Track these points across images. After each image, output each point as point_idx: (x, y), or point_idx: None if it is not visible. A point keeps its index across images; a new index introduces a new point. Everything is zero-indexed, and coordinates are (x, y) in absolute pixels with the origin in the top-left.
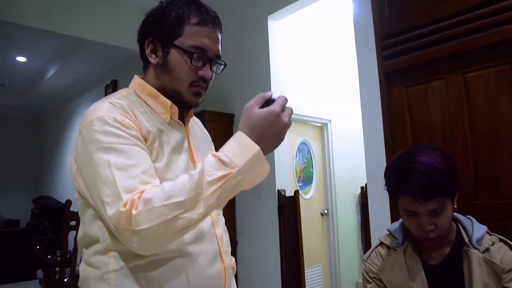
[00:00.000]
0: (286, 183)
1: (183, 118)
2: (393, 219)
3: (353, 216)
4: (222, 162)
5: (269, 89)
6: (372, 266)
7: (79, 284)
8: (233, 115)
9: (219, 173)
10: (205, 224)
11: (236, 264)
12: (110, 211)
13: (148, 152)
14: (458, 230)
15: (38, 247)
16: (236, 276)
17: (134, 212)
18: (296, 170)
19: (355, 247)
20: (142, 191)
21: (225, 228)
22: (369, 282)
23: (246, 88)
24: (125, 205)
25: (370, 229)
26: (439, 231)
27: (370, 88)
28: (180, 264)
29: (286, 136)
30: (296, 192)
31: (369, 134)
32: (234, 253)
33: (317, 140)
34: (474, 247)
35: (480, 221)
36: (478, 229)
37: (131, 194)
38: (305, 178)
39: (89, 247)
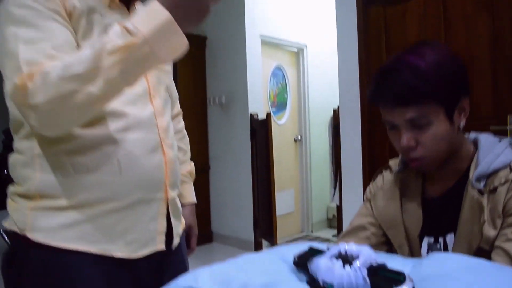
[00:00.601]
0: (259, 107)
1: (128, 3)
2: (364, 143)
3: (326, 142)
4: (127, 30)
5: (243, 12)
6: (371, 187)
7: (10, 172)
8: (205, 38)
9: (121, 42)
10: (145, 112)
11: (208, 188)
12: (8, 85)
13: (69, 29)
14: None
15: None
16: (208, 200)
17: (29, 84)
18: (270, 95)
19: (327, 173)
20: (45, 65)
21: (181, 124)
22: (364, 202)
23: (219, 9)
24: (22, 78)
25: (341, 152)
26: (423, 150)
27: (346, 8)
28: (111, 150)
29: (260, 59)
30: (268, 115)
31: (344, 56)
32: (206, 177)
33: (293, 66)
34: (472, 186)
35: None
36: (491, 161)
37: (31, 67)
38: (279, 104)
39: (17, 132)
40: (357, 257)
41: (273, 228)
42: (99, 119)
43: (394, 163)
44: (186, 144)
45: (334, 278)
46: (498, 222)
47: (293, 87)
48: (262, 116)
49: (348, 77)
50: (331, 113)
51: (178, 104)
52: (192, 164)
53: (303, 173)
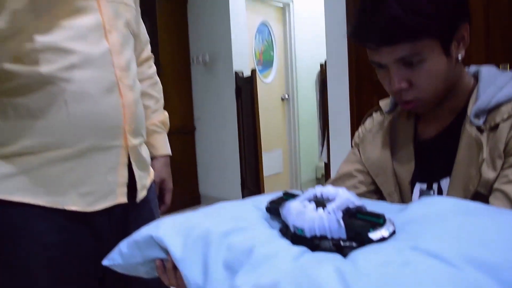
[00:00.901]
0: (244, 65)
1: None
2: (352, 97)
3: (314, 101)
4: None
5: None
6: (360, 131)
7: None
8: None
9: None
10: (98, 49)
11: (194, 150)
12: None
13: None
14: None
15: None
16: (195, 162)
17: None
18: (255, 53)
19: (315, 132)
20: None
21: (152, 69)
22: (352, 148)
23: None
24: None
25: (328, 108)
26: (417, 91)
27: None
28: (56, 91)
29: (244, 15)
30: (253, 71)
31: (331, 9)
32: (192, 139)
33: (279, 22)
34: (471, 122)
35: None
36: (492, 94)
37: None
38: (265, 62)
39: None
40: (333, 200)
41: (261, 188)
42: (36, 55)
43: (384, 103)
44: (158, 91)
45: (305, 222)
46: (499, 162)
47: (280, 44)
48: (247, 74)
49: (335, 30)
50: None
51: (148, 48)
52: (166, 113)
53: (291, 133)
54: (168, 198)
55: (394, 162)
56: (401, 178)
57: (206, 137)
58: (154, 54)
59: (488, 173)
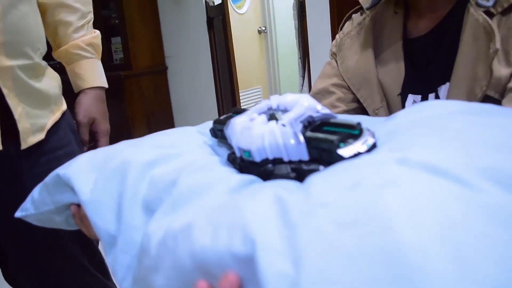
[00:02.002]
0: None
1: None
2: (333, 19)
3: (293, 33)
4: None
5: None
6: (337, 37)
7: None
8: None
9: None
10: None
11: (168, 90)
12: None
13: None
14: None
15: None
16: (170, 104)
17: None
18: None
19: (296, 66)
20: None
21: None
22: (328, 61)
23: None
24: None
25: (308, 35)
26: None
27: None
28: None
29: None
30: None
31: None
32: (165, 79)
33: None
34: (478, 4)
35: None
36: None
37: None
38: None
39: None
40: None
41: None
42: None
43: (365, 0)
44: (82, 2)
45: (252, 141)
46: None
47: None
48: (219, 1)
49: None
50: None
51: None
52: (97, 32)
53: (270, 68)
54: (103, 142)
55: (379, 70)
56: (389, 89)
57: (179, 76)
58: None
59: (501, 70)
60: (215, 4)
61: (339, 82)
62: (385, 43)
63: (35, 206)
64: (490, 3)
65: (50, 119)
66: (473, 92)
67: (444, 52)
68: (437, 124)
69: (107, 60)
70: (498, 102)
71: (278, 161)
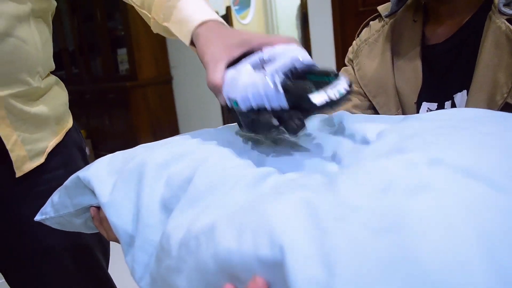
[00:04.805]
0: (219, 4)
1: None
2: (336, 30)
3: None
4: None
5: None
6: (354, 44)
7: None
8: None
9: None
10: None
11: (173, 100)
12: None
13: None
14: None
15: None
16: (175, 113)
17: None
18: None
19: None
20: None
21: None
22: (344, 65)
23: None
24: None
25: (311, 44)
26: None
27: None
28: None
29: None
30: (228, 8)
31: None
32: (170, 89)
33: None
34: (500, 11)
35: None
36: None
37: None
38: (242, 1)
39: None
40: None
41: None
42: None
43: (384, 7)
44: None
45: (237, 90)
46: None
47: None
48: (223, 13)
49: None
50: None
51: None
52: None
53: None
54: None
55: (396, 77)
56: (405, 96)
57: (184, 86)
58: (120, 1)
59: None
60: (220, 15)
61: (355, 89)
62: (403, 50)
63: (55, 209)
64: None
65: (52, 141)
66: (493, 99)
67: (463, 59)
68: (468, 126)
69: (112, 71)
70: None
71: (262, 109)
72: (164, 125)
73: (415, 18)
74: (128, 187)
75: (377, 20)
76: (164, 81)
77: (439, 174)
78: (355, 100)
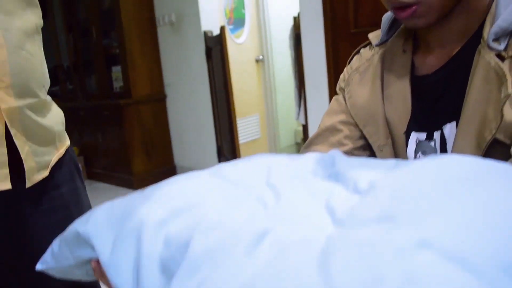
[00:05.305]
0: (214, 24)
1: None
2: (328, 51)
3: (290, 61)
4: None
5: None
6: (345, 72)
7: None
8: None
9: None
10: None
11: (167, 118)
12: None
13: None
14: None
15: None
16: (168, 132)
17: None
18: (225, 11)
19: (293, 95)
20: None
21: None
22: (336, 95)
23: None
24: None
25: (303, 64)
26: None
27: None
28: None
29: None
30: (222, 28)
31: None
32: (163, 107)
33: None
34: (490, 46)
35: None
36: None
37: None
38: (236, 20)
39: None
40: None
41: (237, 156)
42: None
43: (374, 35)
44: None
45: None
46: None
47: (251, 0)
48: (217, 33)
49: None
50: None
51: None
52: None
53: (267, 96)
54: None
55: (386, 107)
56: (395, 126)
57: (178, 104)
58: (115, 17)
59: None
60: (214, 34)
61: (346, 119)
62: (392, 80)
63: (56, 259)
64: (501, 47)
65: (55, 155)
66: (482, 135)
67: (452, 90)
68: (465, 190)
69: (107, 88)
70: (507, 147)
71: None
72: (158, 142)
73: (404, 48)
74: (128, 247)
75: (368, 47)
76: (158, 99)
77: (427, 264)
78: (346, 131)
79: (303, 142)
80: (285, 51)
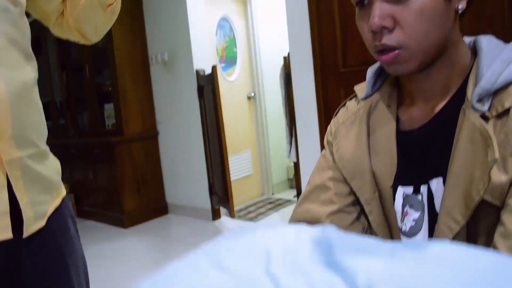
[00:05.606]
0: (206, 63)
1: None
2: (318, 90)
3: (281, 98)
4: None
5: None
6: (332, 125)
7: None
8: None
9: None
10: None
11: (158, 156)
12: None
13: None
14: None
15: None
16: (160, 169)
17: None
18: (217, 50)
19: (284, 130)
20: None
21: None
22: (323, 150)
23: None
24: None
25: (294, 103)
26: (402, 34)
27: None
28: None
29: (203, 10)
30: (214, 67)
31: None
32: (155, 144)
33: (240, 16)
34: (474, 107)
35: None
36: (498, 71)
37: None
38: (228, 58)
39: None
40: None
41: (229, 194)
42: None
43: (360, 88)
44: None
45: None
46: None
47: (242, 39)
48: (209, 72)
49: (297, 21)
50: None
51: None
52: None
53: (259, 133)
54: None
55: (372, 160)
56: (381, 180)
57: (170, 141)
58: (108, 55)
59: (500, 176)
60: (206, 73)
61: (333, 175)
62: (378, 134)
63: None
64: (485, 108)
65: (51, 205)
66: (470, 195)
67: (438, 146)
68: None
69: (99, 126)
70: (495, 208)
71: None
72: (149, 180)
73: (389, 103)
74: None
75: (354, 99)
76: (150, 136)
77: None
78: (335, 188)
79: (295, 179)
80: (276, 88)
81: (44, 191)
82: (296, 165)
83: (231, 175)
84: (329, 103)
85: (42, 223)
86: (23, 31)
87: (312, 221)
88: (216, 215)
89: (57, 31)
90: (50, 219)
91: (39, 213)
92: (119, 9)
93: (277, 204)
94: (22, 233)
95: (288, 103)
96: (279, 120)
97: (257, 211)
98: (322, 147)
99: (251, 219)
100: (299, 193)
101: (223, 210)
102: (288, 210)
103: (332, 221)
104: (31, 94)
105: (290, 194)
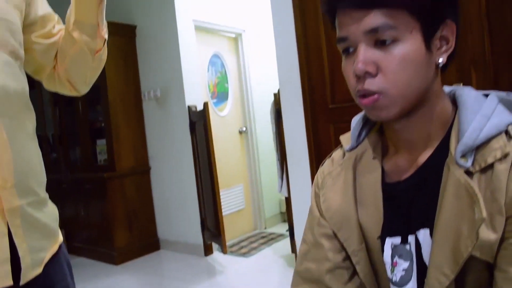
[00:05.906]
0: (198, 99)
1: None
2: (308, 126)
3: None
4: None
5: None
6: (318, 176)
7: None
8: (134, 27)
9: None
10: None
11: (150, 191)
12: None
13: None
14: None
15: None
16: (152, 205)
17: None
18: (209, 86)
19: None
20: None
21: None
22: (311, 204)
23: None
24: None
25: (284, 138)
26: (384, 80)
27: None
28: None
29: (195, 47)
30: (206, 104)
31: (281, 36)
32: (147, 179)
33: (232, 53)
34: (457, 163)
35: None
36: (479, 126)
37: None
38: (220, 94)
39: None
40: None
41: (220, 229)
42: None
43: (345, 138)
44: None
45: None
46: (499, 220)
47: (234, 75)
48: (201, 108)
49: (286, 58)
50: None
51: (55, 25)
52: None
53: (251, 167)
54: None
55: (359, 211)
56: (368, 231)
57: (162, 177)
58: (101, 92)
59: (489, 235)
60: (198, 109)
61: (325, 231)
62: (364, 185)
63: None
64: (469, 163)
65: (49, 252)
66: (458, 250)
67: (423, 198)
68: None
69: (91, 161)
70: (484, 263)
71: None
72: (141, 216)
73: (374, 155)
74: None
75: (339, 149)
76: (142, 171)
77: None
78: (327, 244)
79: (287, 214)
80: (267, 123)
81: (42, 238)
82: (288, 200)
83: (224, 210)
84: (319, 139)
85: (39, 270)
86: (23, 84)
87: (314, 280)
88: (208, 250)
89: (49, 84)
90: (47, 266)
91: (37, 260)
92: (106, 57)
93: (270, 239)
94: (19, 280)
95: (278, 138)
96: (271, 154)
97: (249, 246)
98: (313, 182)
99: (243, 255)
100: (291, 227)
101: (214, 245)
102: (281, 245)
103: (331, 278)
104: (32, 143)
105: (283, 228)
